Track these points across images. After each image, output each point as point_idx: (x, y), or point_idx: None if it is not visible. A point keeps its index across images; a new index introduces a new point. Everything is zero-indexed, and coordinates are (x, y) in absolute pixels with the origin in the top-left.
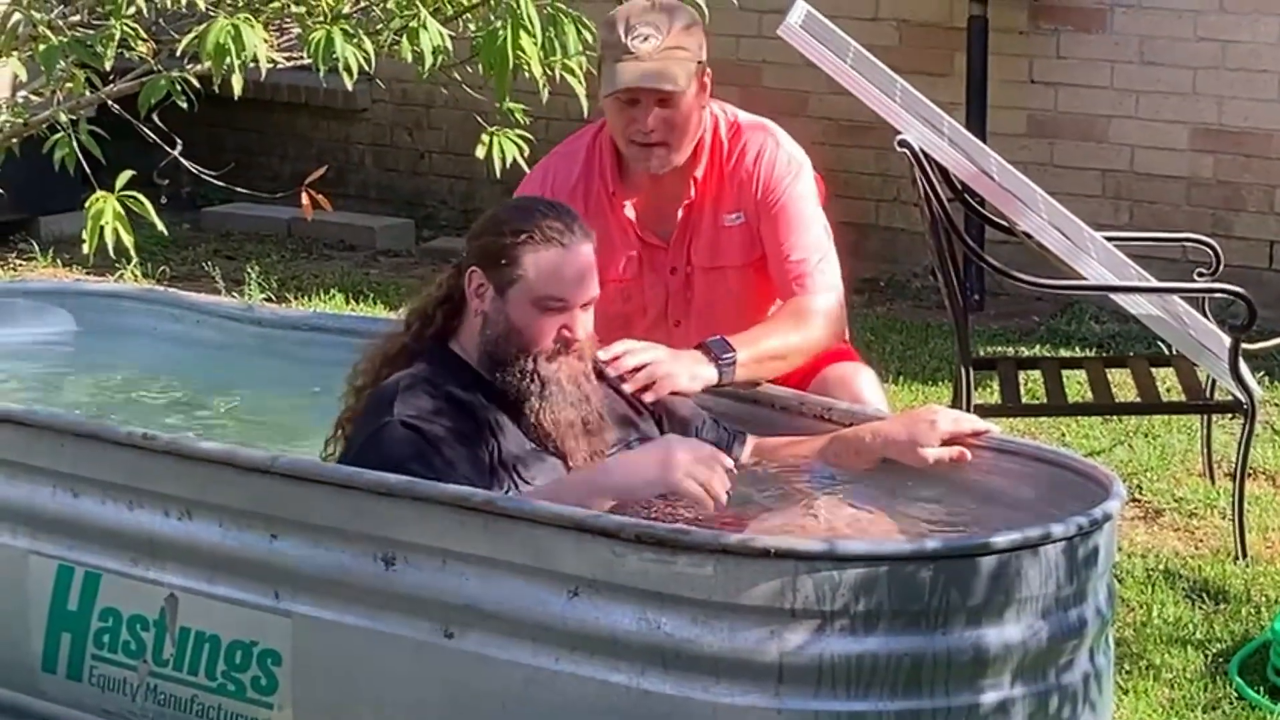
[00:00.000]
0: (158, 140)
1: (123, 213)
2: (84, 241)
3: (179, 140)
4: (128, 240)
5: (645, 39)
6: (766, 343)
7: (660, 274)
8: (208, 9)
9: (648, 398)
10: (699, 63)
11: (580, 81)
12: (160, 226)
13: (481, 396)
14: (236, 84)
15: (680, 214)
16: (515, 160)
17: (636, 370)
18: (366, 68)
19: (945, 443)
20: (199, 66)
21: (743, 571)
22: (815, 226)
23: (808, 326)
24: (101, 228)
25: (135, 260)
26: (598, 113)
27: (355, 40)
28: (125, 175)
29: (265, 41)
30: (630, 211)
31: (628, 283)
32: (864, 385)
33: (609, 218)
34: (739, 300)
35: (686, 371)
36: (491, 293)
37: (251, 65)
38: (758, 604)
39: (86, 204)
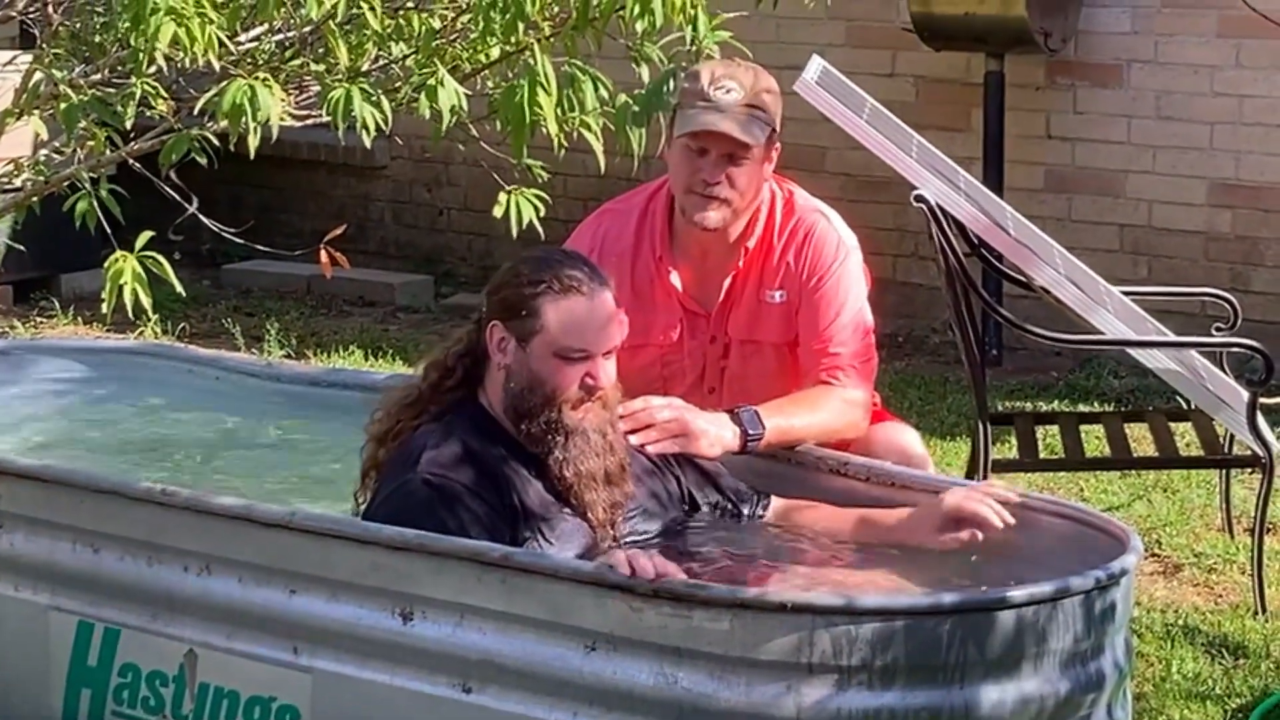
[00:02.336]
0: (178, 198)
1: (142, 273)
2: (103, 300)
3: (198, 198)
4: (146, 301)
5: (728, 91)
6: (795, 422)
7: (700, 341)
8: (226, 67)
9: (669, 448)
10: (774, 130)
11: (598, 138)
12: (179, 288)
13: (506, 451)
14: (252, 143)
15: (726, 284)
16: (532, 221)
17: (665, 423)
18: (384, 126)
19: (959, 520)
20: (218, 125)
21: (760, 626)
22: (859, 322)
23: (834, 414)
24: (120, 288)
25: (155, 318)
26: (612, 170)
27: (374, 99)
28: (145, 235)
29: (282, 100)
30: (677, 279)
31: (669, 348)
32: (910, 445)
33: (656, 282)
34: (773, 375)
35: (711, 434)
36: (513, 345)
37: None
38: (775, 658)
39: (106, 264)
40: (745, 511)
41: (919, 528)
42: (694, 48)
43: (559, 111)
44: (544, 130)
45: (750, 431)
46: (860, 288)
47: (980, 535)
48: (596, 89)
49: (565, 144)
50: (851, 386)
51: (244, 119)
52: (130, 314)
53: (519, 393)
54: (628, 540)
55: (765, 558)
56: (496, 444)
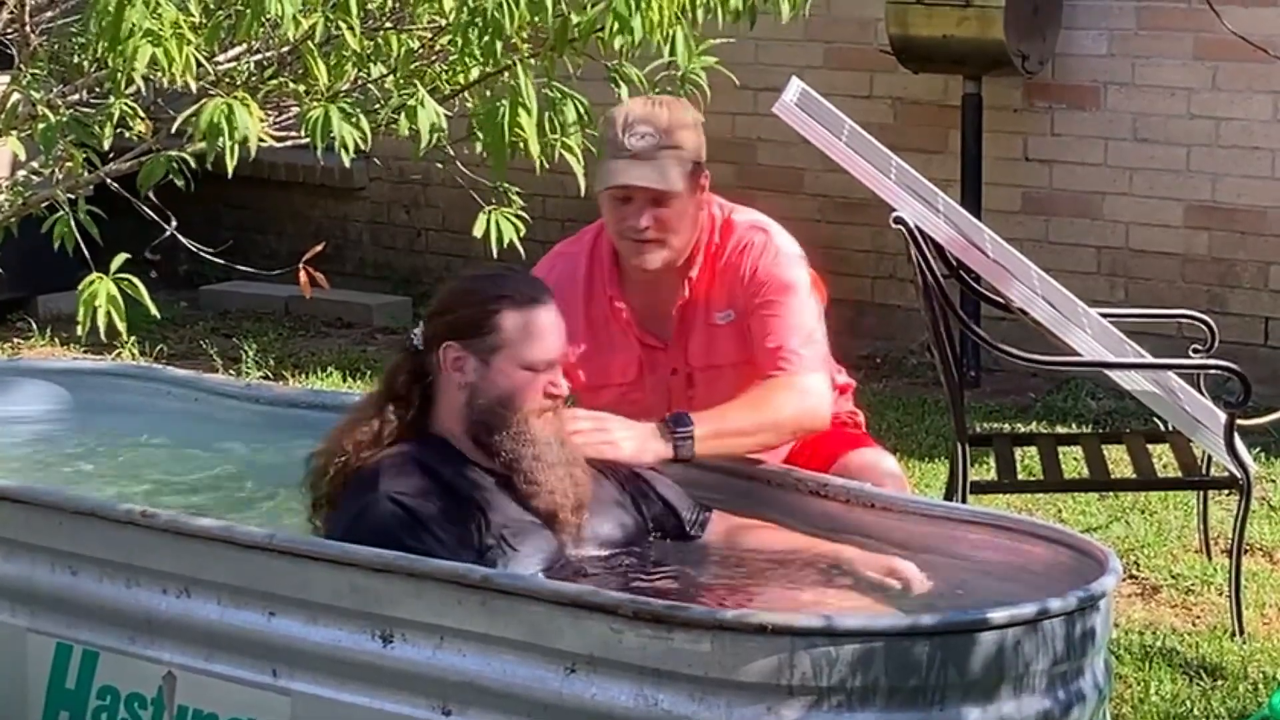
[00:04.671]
0: (156, 218)
1: (117, 295)
2: (79, 323)
3: (176, 218)
4: (120, 324)
5: (642, 137)
6: (730, 418)
7: (661, 375)
8: (206, 88)
9: (590, 453)
10: (696, 163)
11: (578, 160)
12: (154, 310)
13: (467, 473)
14: (230, 163)
15: (675, 314)
16: (513, 240)
17: (585, 432)
18: (363, 146)
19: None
20: (196, 146)
21: (740, 647)
22: (800, 315)
23: (777, 404)
24: (95, 310)
25: (132, 339)
26: (593, 191)
27: (353, 119)
28: (120, 258)
29: (261, 120)
30: (628, 314)
31: (629, 386)
32: (886, 471)
33: (610, 321)
34: None
35: (636, 442)
36: (474, 363)
37: (245, 143)
38: (755, 680)
39: (80, 286)
40: (686, 518)
41: (860, 559)
42: (679, 73)
43: (540, 132)
44: (524, 152)
45: (677, 430)
46: (805, 294)
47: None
48: (578, 111)
49: (546, 165)
50: (801, 373)
51: (221, 138)
52: (104, 336)
53: (485, 408)
54: (595, 558)
55: (731, 576)
56: (456, 466)
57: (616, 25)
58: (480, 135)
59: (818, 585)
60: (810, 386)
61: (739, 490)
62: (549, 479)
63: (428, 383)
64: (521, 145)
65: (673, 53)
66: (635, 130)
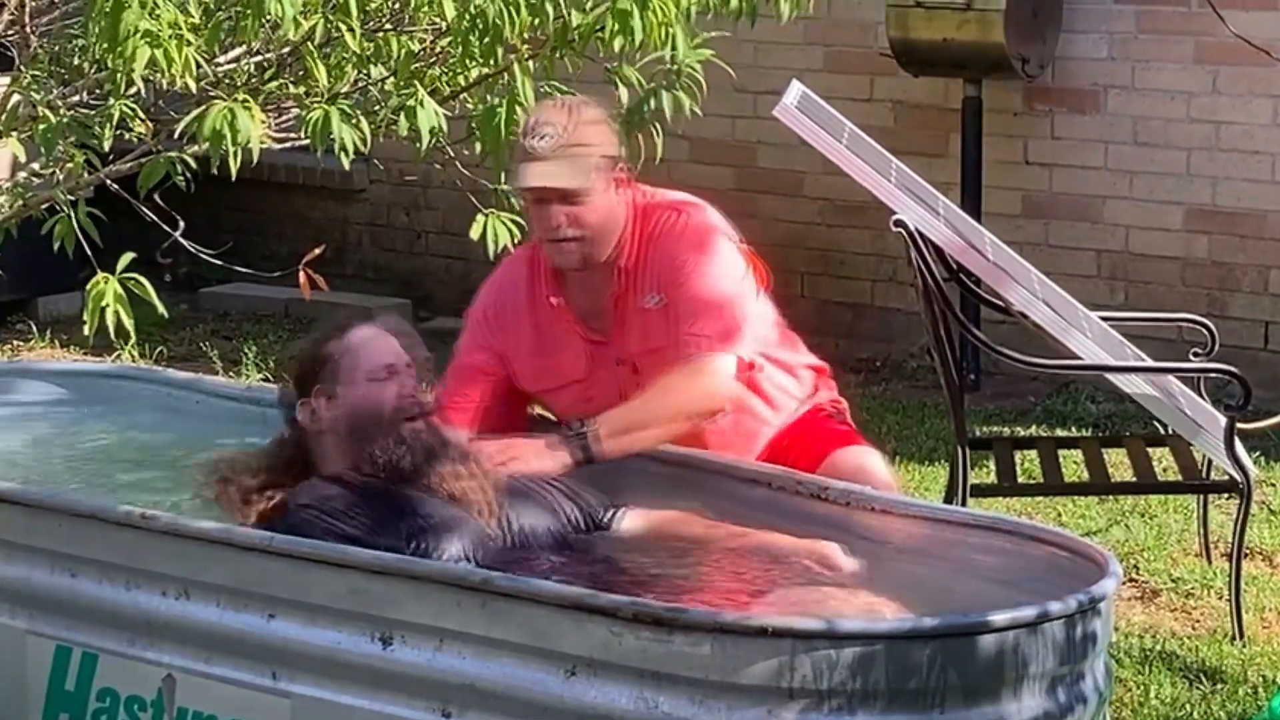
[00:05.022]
0: (156, 220)
1: (123, 294)
2: (84, 322)
3: (179, 220)
4: (128, 323)
5: (543, 138)
6: (629, 415)
7: (609, 368)
8: (206, 89)
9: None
10: (606, 157)
11: None
12: (161, 308)
13: (370, 485)
14: (233, 167)
15: (611, 306)
16: (508, 245)
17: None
18: (362, 148)
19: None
20: (197, 148)
21: (740, 650)
22: (710, 293)
23: (676, 392)
24: (102, 309)
25: (133, 341)
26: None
27: (353, 121)
28: (127, 257)
29: (262, 123)
30: (568, 311)
31: (582, 382)
32: (876, 470)
33: (555, 322)
34: None
35: (538, 455)
36: (325, 402)
37: (247, 147)
38: (755, 683)
39: (88, 286)
40: (598, 519)
41: (785, 545)
42: (674, 67)
43: None
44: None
45: (574, 436)
46: (726, 267)
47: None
48: None
49: None
50: (708, 350)
51: (224, 143)
52: (112, 335)
53: (352, 431)
54: (521, 546)
55: (661, 566)
56: (357, 484)
57: (617, 26)
58: (479, 134)
59: (752, 572)
60: (712, 368)
61: (739, 494)
62: (443, 475)
63: (306, 448)
64: None
65: (673, 51)
66: (538, 132)
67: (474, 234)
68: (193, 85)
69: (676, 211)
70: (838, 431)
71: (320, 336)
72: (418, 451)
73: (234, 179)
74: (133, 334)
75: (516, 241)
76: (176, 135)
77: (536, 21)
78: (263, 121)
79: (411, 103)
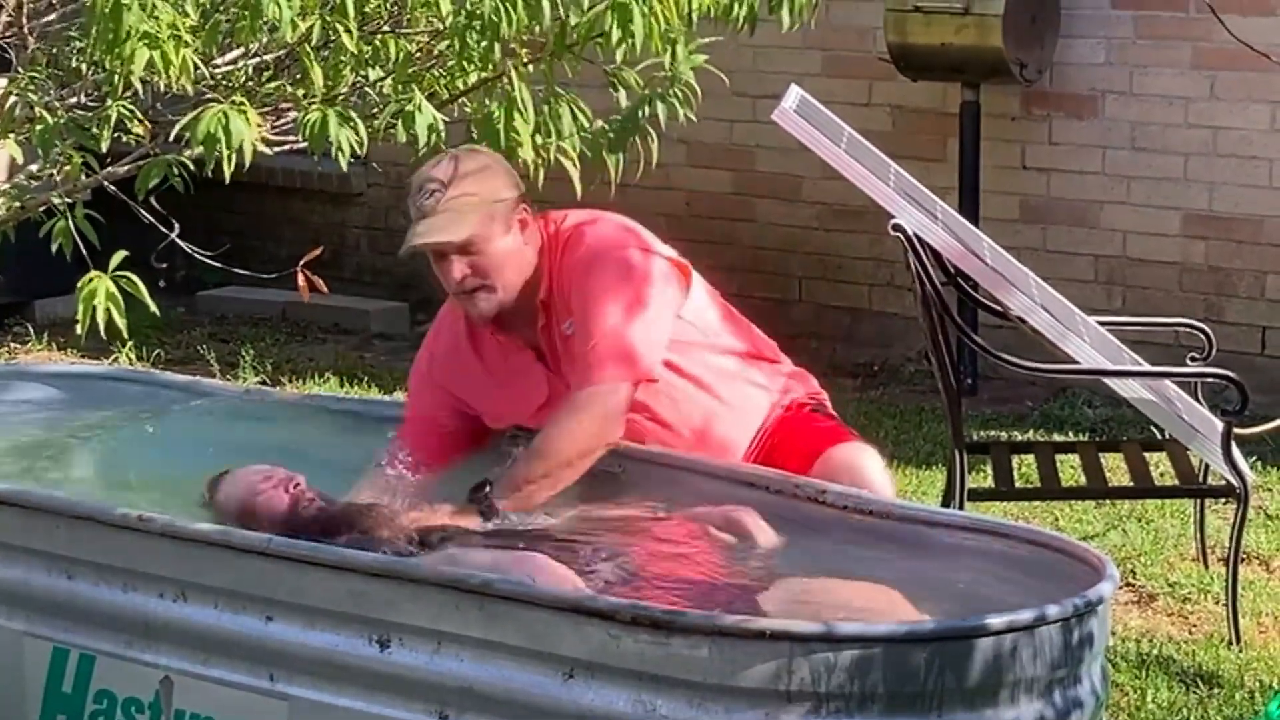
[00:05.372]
0: (154, 222)
1: (116, 293)
2: (78, 323)
3: (174, 223)
4: (120, 321)
5: (429, 195)
6: (520, 472)
7: (560, 392)
8: (204, 91)
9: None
10: (498, 201)
11: (575, 165)
12: (153, 308)
13: None
14: (227, 170)
15: (542, 340)
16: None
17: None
18: (359, 150)
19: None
20: (194, 151)
21: (738, 653)
22: (609, 317)
23: (564, 435)
24: (94, 308)
25: (130, 343)
26: (589, 196)
27: (350, 123)
28: (119, 255)
29: (258, 126)
30: (518, 340)
31: (548, 404)
32: (870, 468)
33: (506, 353)
34: None
35: (443, 518)
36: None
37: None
38: (753, 686)
39: (80, 284)
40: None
41: (698, 514)
42: (671, 73)
43: (535, 138)
44: (520, 157)
45: (471, 500)
46: (615, 282)
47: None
48: (574, 115)
49: (542, 169)
50: (589, 386)
51: (218, 147)
52: (104, 335)
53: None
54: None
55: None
56: None
57: (617, 27)
58: (477, 139)
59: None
60: (594, 403)
61: (737, 497)
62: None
63: None
64: (519, 150)
65: (672, 60)
66: (423, 190)
67: None
68: (189, 88)
69: (580, 235)
70: (827, 428)
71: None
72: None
73: (234, 182)
74: (125, 333)
75: None
76: (172, 138)
77: (533, 21)
78: (259, 125)
79: (409, 108)
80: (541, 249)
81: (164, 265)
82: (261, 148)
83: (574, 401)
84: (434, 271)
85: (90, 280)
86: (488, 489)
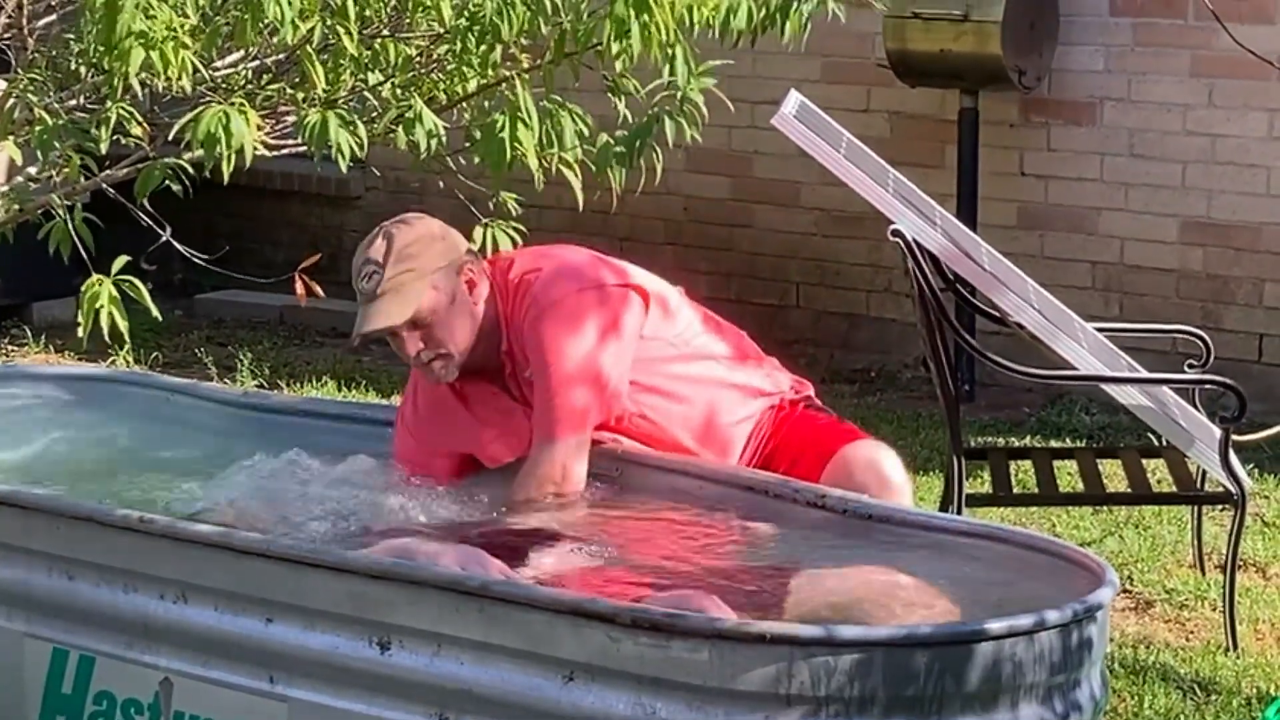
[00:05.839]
0: (153, 226)
1: (118, 297)
2: (78, 325)
3: (172, 226)
4: (122, 325)
5: (368, 278)
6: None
7: None
8: (204, 93)
9: None
10: (439, 270)
11: (576, 174)
12: (155, 312)
13: None
14: (226, 170)
15: (512, 386)
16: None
17: None
18: (359, 152)
19: None
20: (193, 153)
21: (738, 657)
22: (546, 377)
23: (525, 498)
24: (97, 312)
25: (128, 346)
26: (590, 205)
27: (350, 126)
28: (121, 260)
29: (258, 128)
30: (498, 382)
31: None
32: (890, 467)
33: (488, 393)
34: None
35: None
36: None
37: (241, 152)
38: (753, 689)
39: (83, 288)
40: None
41: None
42: (680, 91)
43: (538, 147)
44: (524, 164)
45: None
46: (571, 334)
47: None
48: (576, 125)
49: (545, 178)
50: (546, 445)
51: (218, 148)
52: (107, 338)
53: None
54: None
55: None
56: None
57: (614, 34)
58: (478, 146)
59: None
60: (548, 462)
61: (737, 501)
62: None
63: None
64: (523, 159)
65: (672, 73)
66: (361, 272)
67: (474, 245)
68: (188, 88)
69: (526, 285)
70: (828, 424)
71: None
72: None
73: (232, 185)
74: (127, 337)
75: (520, 246)
76: (171, 138)
77: (535, 23)
78: (259, 126)
79: (410, 114)
80: (494, 299)
81: (153, 267)
82: (261, 150)
83: (529, 464)
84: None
85: (93, 284)
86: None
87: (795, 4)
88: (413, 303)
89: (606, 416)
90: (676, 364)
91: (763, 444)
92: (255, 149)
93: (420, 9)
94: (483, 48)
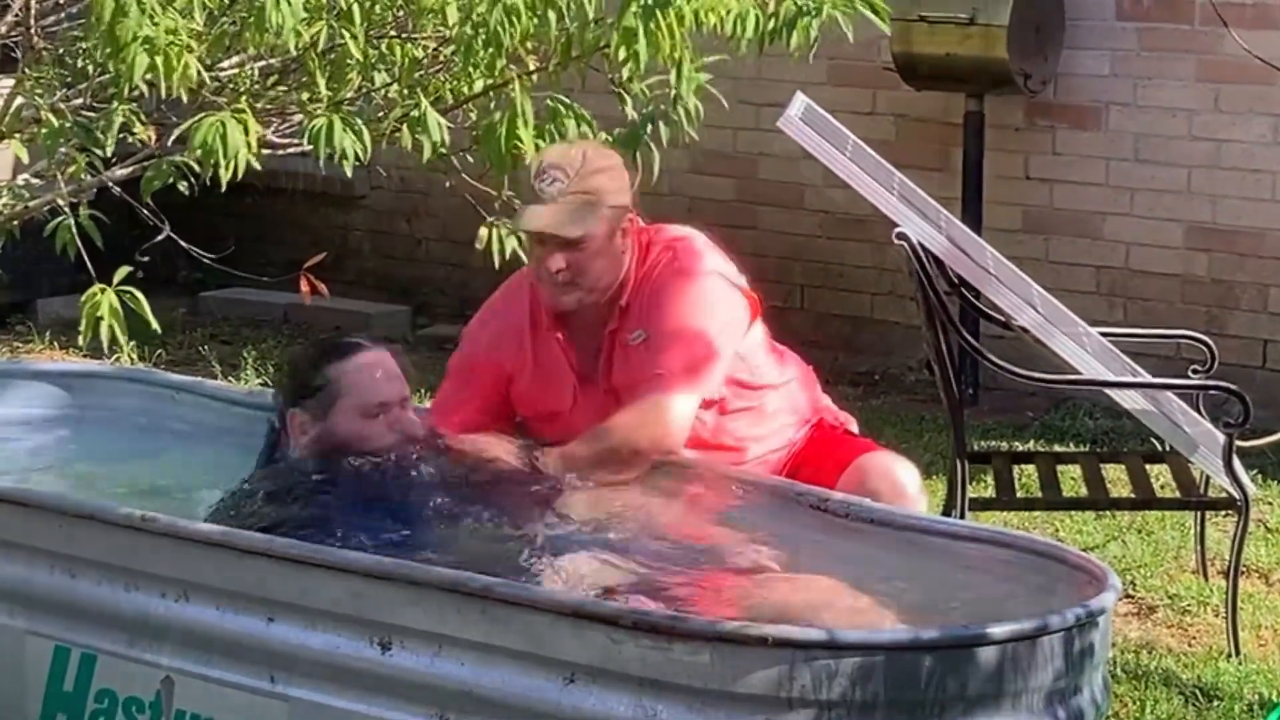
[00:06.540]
0: (158, 224)
1: (119, 308)
2: (80, 332)
3: (177, 225)
4: (121, 336)
5: (552, 182)
6: (573, 452)
7: (596, 399)
8: (207, 96)
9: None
10: (613, 207)
11: None
12: (154, 324)
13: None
14: (224, 178)
15: (606, 340)
16: (516, 251)
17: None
18: (363, 157)
19: None
20: (192, 156)
21: (740, 660)
22: (685, 333)
23: (618, 430)
24: (98, 320)
25: (132, 344)
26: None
27: (355, 129)
28: (123, 271)
29: (258, 134)
30: (564, 344)
31: (570, 413)
32: (905, 478)
33: (551, 351)
34: None
35: (512, 454)
36: (313, 421)
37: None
38: (755, 692)
39: (84, 297)
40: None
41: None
42: (674, 91)
43: (538, 145)
44: (525, 162)
45: (529, 452)
46: (703, 305)
47: None
48: (578, 124)
49: None
50: (658, 391)
51: (215, 155)
52: (105, 349)
53: (331, 454)
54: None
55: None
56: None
57: (623, 47)
58: (481, 146)
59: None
60: (660, 406)
61: (740, 504)
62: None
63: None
64: (524, 157)
65: (677, 79)
66: (547, 175)
67: (479, 244)
68: (189, 92)
69: (671, 250)
70: (857, 440)
71: (322, 352)
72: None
73: (237, 184)
74: (124, 347)
75: (528, 247)
76: (172, 141)
77: (539, 32)
78: (259, 133)
79: (415, 114)
80: (633, 257)
81: (144, 259)
82: (256, 164)
83: (645, 402)
84: (529, 247)
85: (94, 294)
86: (538, 455)
87: (802, 17)
88: (586, 224)
89: (708, 397)
90: (740, 387)
91: (792, 457)
92: (254, 156)
93: (425, 14)
94: (489, 50)
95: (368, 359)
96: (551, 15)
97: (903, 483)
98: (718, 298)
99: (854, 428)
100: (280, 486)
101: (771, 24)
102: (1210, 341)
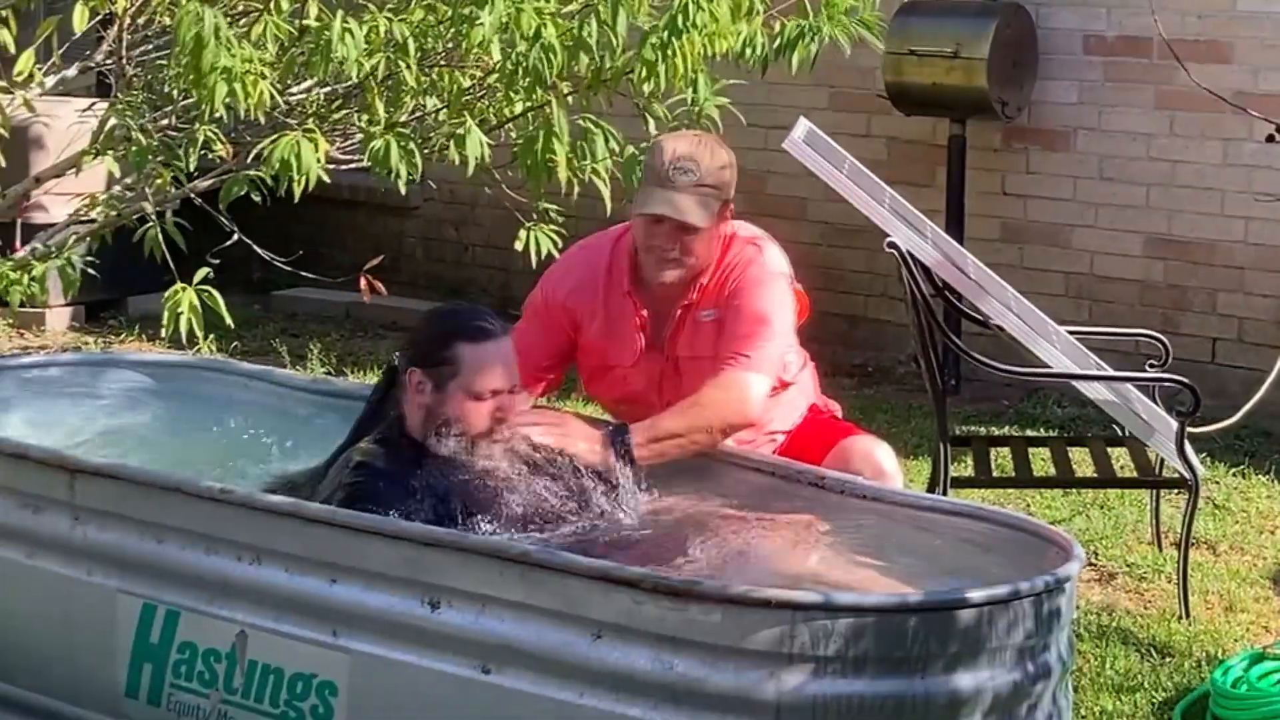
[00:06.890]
0: (236, 230)
1: (198, 305)
2: (164, 326)
3: (251, 232)
4: (199, 330)
5: (685, 172)
6: (663, 425)
7: (657, 363)
8: (279, 117)
9: (548, 435)
10: (727, 201)
11: (605, 184)
12: (228, 319)
13: (428, 465)
14: (297, 190)
15: (679, 312)
16: (550, 252)
17: (551, 420)
18: (415, 175)
19: None
20: (269, 170)
21: (746, 619)
22: (759, 320)
23: (707, 405)
24: (179, 315)
25: (211, 336)
26: (619, 213)
27: (408, 150)
28: (203, 272)
29: (326, 151)
30: (641, 311)
31: (630, 370)
32: (883, 457)
33: (624, 309)
34: None
35: (586, 447)
36: (430, 388)
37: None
38: (760, 649)
39: (166, 295)
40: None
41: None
42: (695, 109)
43: (572, 159)
44: (558, 176)
45: (615, 440)
46: (778, 303)
47: None
48: (607, 141)
49: (578, 187)
50: (742, 370)
51: (291, 170)
52: (185, 341)
53: (436, 428)
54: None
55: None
56: (418, 463)
57: (645, 72)
58: (520, 159)
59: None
60: (745, 383)
61: (749, 481)
62: (488, 472)
63: (397, 396)
64: (557, 170)
65: (695, 93)
66: (680, 165)
67: (519, 246)
68: (264, 117)
69: (756, 246)
70: (843, 425)
71: (458, 327)
72: (474, 473)
73: (304, 196)
74: (202, 339)
75: (560, 247)
76: (251, 158)
77: (573, 64)
78: (326, 150)
79: (460, 131)
80: (721, 244)
81: (216, 261)
82: (325, 178)
83: (725, 378)
84: (637, 224)
85: (176, 291)
86: (627, 436)
87: (803, 38)
88: (709, 215)
89: (778, 379)
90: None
91: (790, 439)
92: (322, 171)
93: (471, 51)
94: (528, 80)
95: (492, 349)
96: (583, 55)
97: (882, 463)
98: (786, 300)
99: (839, 413)
100: (389, 467)
101: (776, 44)
102: (1165, 340)
